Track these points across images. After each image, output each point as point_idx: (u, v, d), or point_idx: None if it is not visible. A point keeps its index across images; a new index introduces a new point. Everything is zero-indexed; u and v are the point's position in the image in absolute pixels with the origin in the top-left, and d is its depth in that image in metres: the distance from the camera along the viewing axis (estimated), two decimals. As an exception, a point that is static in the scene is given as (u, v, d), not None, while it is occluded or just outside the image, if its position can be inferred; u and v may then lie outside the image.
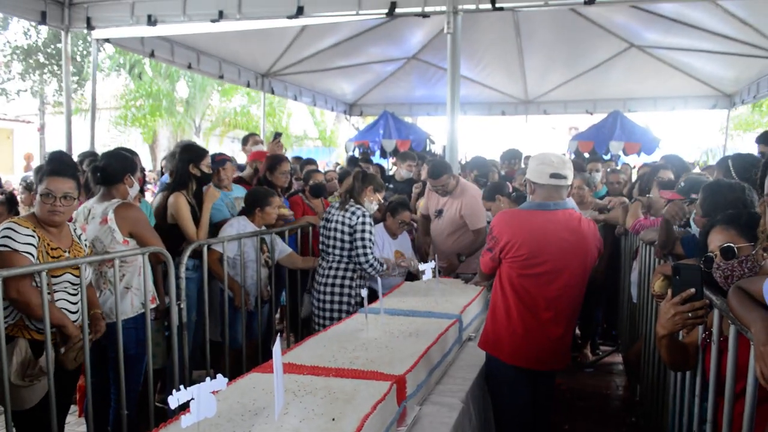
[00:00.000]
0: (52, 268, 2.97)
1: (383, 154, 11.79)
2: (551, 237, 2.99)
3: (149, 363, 3.51)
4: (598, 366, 6.00)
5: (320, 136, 25.00)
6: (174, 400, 1.70)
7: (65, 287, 3.12)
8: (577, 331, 6.14)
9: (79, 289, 3.15)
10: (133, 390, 3.53)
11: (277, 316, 5.52)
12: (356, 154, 11.54)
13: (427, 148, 11.74)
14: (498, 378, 3.14)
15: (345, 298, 4.39)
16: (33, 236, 2.98)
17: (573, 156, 10.32)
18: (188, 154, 4.40)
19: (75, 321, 3.14)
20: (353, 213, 4.37)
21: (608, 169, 7.08)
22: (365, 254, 4.34)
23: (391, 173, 8.35)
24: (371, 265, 4.37)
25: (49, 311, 2.94)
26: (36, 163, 12.77)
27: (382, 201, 4.69)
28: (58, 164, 3.24)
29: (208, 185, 4.35)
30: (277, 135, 6.13)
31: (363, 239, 4.34)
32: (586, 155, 10.29)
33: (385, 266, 4.50)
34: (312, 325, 4.62)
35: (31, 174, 9.60)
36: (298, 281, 5.11)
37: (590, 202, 5.81)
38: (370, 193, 4.47)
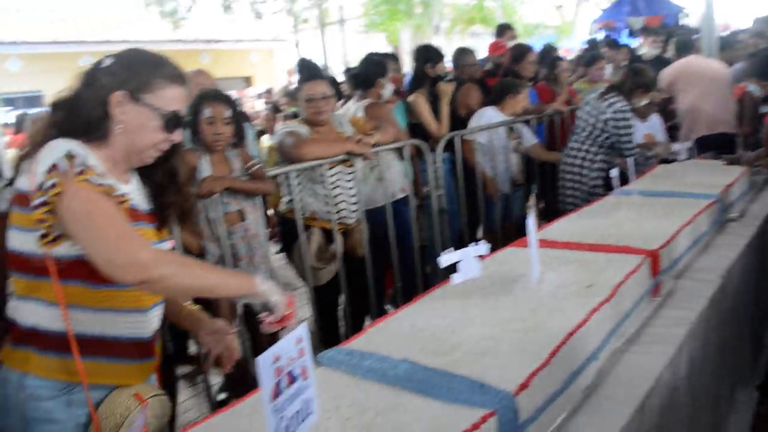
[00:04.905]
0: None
1: (631, 34, 10.92)
2: None
3: (414, 241, 3.92)
4: None
5: (562, 21, 23.63)
6: (444, 260, 1.92)
7: (339, 178, 3.53)
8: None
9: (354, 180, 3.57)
10: (405, 264, 3.93)
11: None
12: (599, 37, 10.84)
13: (681, 23, 10.61)
14: None
15: (586, 179, 4.32)
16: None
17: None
18: (424, 54, 4.62)
19: (354, 211, 3.59)
20: (610, 104, 4.20)
21: None
22: (629, 149, 4.21)
23: (639, 54, 7.78)
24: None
25: None
26: (296, 77, 14.00)
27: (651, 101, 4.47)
28: (311, 71, 3.69)
29: (438, 83, 4.49)
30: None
31: (625, 134, 4.20)
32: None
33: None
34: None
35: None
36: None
37: None
38: (640, 95, 4.26)
